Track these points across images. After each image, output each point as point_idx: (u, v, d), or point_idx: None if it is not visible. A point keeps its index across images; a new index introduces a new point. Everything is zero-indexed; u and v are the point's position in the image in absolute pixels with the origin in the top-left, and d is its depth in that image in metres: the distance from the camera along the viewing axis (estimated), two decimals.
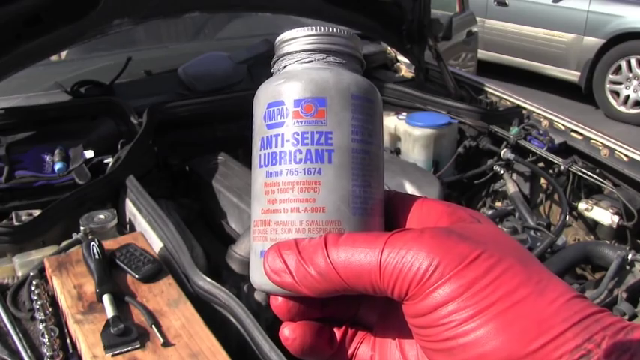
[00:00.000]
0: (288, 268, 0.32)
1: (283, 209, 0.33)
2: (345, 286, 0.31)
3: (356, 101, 0.35)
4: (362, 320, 0.37)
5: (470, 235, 0.30)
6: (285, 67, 0.37)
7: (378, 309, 0.36)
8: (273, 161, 0.34)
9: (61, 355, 0.98)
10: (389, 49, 2.48)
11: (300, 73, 0.35)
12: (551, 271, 0.29)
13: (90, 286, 1.07)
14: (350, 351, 0.36)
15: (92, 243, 1.13)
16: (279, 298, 0.33)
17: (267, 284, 0.33)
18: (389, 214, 0.36)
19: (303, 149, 0.34)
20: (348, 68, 0.36)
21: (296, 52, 0.36)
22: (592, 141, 1.84)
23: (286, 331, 0.34)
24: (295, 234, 0.33)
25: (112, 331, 0.94)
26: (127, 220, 1.40)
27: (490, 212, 1.83)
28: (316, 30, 0.36)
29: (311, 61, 0.36)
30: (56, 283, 1.10)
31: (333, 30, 0.36)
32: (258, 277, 0.34)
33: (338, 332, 0.36)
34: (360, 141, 0.34)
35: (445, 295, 0.28)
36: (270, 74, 0.38)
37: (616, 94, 5.17)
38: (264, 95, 0.36)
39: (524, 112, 2.04)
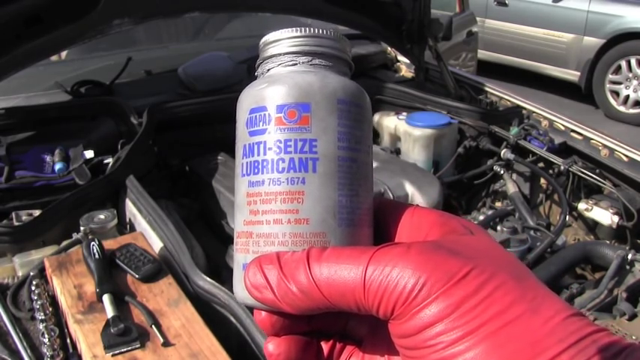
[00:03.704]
0: (269, 283, 0.30)
1: (266, 221, 0.32)
2: (328, 304, 0.29)
3: (342, 106, 0.33)
4: (351, 334, 0.35)
5: (460, 249, 0.29)
6: (268, 70, 0.35)
7: (367, 322, 0.35)
8: (256, 170, 0.33)
9: (61, 355, 0.98)
10: (389, 49, 2.48)
11: (283, 77, 0.33)
12: (547, 288, 0.28)
13: (90, 286, 1.07)
14: None
15: (92, 243, 1.13)
16: (263, 313, 0.32)
17: (249, 299, 0.32)
18: (379, 224, 0.35)
19: (286, 157, 0.32)
20: (334, 71, 0.35)
21: (280, 54, 0.34)
22: (592, 141, 1.84)
23: (270, 347, 0.32)
24: (278, 247, 0.32)
25: (112, 331, 0.94)
26: (127, 220, 1.40)
27: (490, 212, 1.83)
28: (301, 31, 0.34)
29: (295, 64, 0.34)
30: (56, 283, 1.10)
31: (318, 31, 0.34)
32: (240, 291, 0.33)
33: (325, 347, 0.34)
34: (346, 148, 0.33)
35: (432, 315, 0.26)
36: (254, 77, 0.36)
37: (616, 94, 5.17)
38: (246, 100, 0.34)
39: (524, 112, 2.04)
